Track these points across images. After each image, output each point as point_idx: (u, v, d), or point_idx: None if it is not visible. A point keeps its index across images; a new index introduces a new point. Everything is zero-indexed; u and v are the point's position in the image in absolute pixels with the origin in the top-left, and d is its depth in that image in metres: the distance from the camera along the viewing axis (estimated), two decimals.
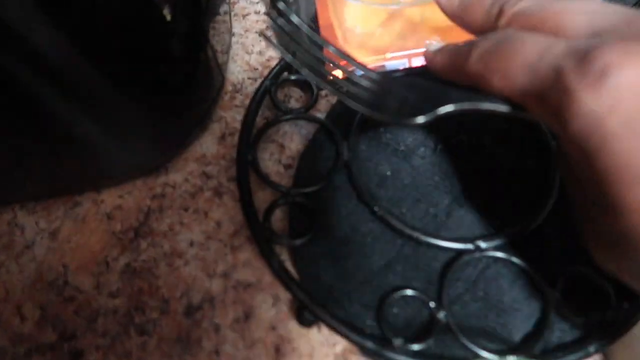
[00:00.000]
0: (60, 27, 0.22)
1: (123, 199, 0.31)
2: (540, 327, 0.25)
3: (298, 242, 0.27)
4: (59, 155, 0.29)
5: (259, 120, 0.33)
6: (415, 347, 0.25)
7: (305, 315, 0.26)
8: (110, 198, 0.31)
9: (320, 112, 0.33)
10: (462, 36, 0.24)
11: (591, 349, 0.25)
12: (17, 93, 0.22)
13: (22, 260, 0.29)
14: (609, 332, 0.25)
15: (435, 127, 0.31)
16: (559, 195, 0.28)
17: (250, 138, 0.31)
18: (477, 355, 0.24)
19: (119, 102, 0.27)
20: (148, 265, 0.29)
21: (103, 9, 0.23)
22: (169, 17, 0.25)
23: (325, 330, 0.27)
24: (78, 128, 0.27)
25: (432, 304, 0.26)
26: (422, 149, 0.31)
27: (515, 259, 0.27)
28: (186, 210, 0.31)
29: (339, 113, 0.32)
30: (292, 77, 0.33)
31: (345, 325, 0.25)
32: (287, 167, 0.32)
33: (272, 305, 0.28)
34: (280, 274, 0.26)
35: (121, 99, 0.27)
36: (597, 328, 0.25)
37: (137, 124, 0.29)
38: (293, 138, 0.33)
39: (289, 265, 0.28)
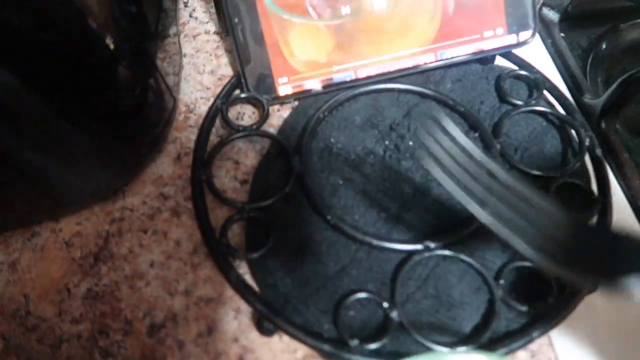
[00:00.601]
0: (3, 63, 0.22)
1: (81, 226, 0.32)
2: (488, 318, 0.27)
3: (254, 255, 0.28)
4: (14, 188, 0.29)
5: (213, 139, 0.34)
6: (372, 346, 0.26)
7: (265, 325, 0.27)
8: (68, 226, 0.31)
9: (274, 126, 0.35)
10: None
11: (535, 334, 0.26)
12: None
13: None
14: (551, 318, 0.27)
15: (384, 134, 0.33)
16: None
17: (204, 157, 0.32)
18: (430, 349, 0.25)
19: (70, 133, 0.28)
20: (110, 288, 0.29)
21: (45, 41, 0.23)
22: (112, 46, 0.26)
23: (285, 337, 0.28)
24: (31, 161, 0.27)
25: (385, 305, 0.27)
26: (372, 156, 0.32)
27: (462, 256, 0.28)
28: (145, 232, 0.31)
29: (291, 127, 0.33)
30: (243, 95, 0.34)
31: (303, 332, 0.26)
32: (243, 182, 0.33)
33: (233, 318, 0.29)
34: (239, 287, 0.27)
35: (72, 129, 0.27)
36: (541, 315, 0.27)
37: (90, 152, 0.30)
38: (247, 154, 0.34)
39: (248, 278, 0.29)
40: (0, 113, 0.23)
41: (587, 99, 0.36)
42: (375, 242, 0.29)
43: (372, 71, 0.34)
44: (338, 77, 0.35)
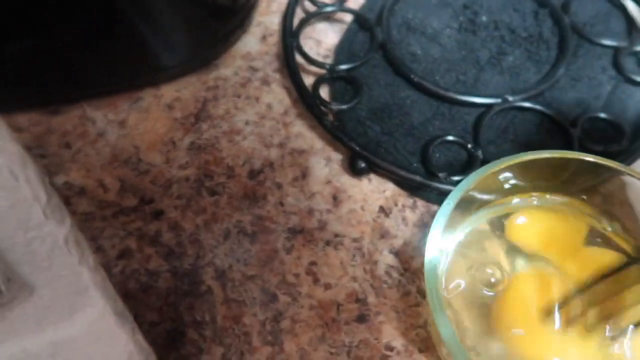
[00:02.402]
0: None
1: (180, 92, 0.34)
2: None
3: (345, 106, 0.31)
4: (120, 51, 0.32)
5: (296, 21, 0.36)
6: (457, 178, 0.28)
7: (358, 164, 0.29)
8: (168, 92, 0.34)
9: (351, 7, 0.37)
10: None
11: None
12: None
13: (97, 146, 0.32)
14: (625, 158, 0.29)
15: (458, 12, 0.35)
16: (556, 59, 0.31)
17: (292, 28, 0.34)
18: None
19: (174, 3, 0.31)
20: (211, 142, 0.32)
21: None
22: None
23: (375, 180, 0.30)
24: (137, 25, 0.30)
25: (469, 146, 0.29)
26: (448, 30, 0.34)
27: (540, 107, 0.30)
28: (239, 97, 0.34)
29: (369, 6, 0.36)
30: None
31: (395, 166, 0.29)
32: (325, 57, 0.35)
33: (325, 165, 0.31)
34: (334, 131, 0.30)
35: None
36: (614, 156, 0.29)
37: (188, 22, 0.33)
38: (328, 34, 0.36)
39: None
40: None
41: None
42: (457, 96, 0.31)
43: None
44: None
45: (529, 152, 0.23)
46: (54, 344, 0.19)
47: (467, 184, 0.22)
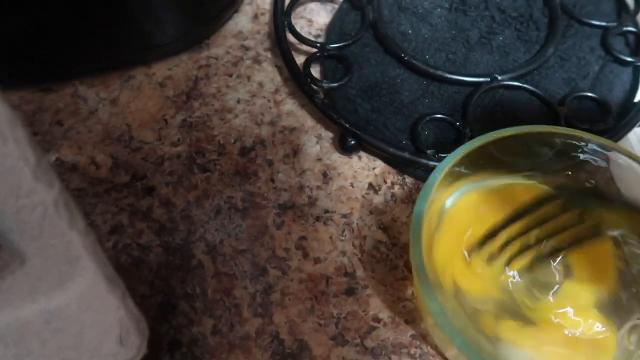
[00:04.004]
0: None
1: (172, 71, 0.35)
2: None
3: (336, 84, 0.31)
4: (112, 28, 0.32)
5: (287, 0, 0.36)
6: (446, 155, 0.28)
7: (348, 141, 0.30)
8: (160, 70, 0.35)
9: None
10: None
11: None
12: None
13: (89, 123, 0.32)
14: (610, 137, 0.29)
15: None
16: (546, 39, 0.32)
17: (283, 6, 0.34)
18: None
19: None
20: (202, 120, 0.32)
21: None
22: None
23: (365, 157, 0.31)
24: (130, 2, 0.30)
25: (458, 123, 0.29)
26: (438, 9, 0.35)
27: (528, 86, 0.31)
28: (230, 75, 0.34)
29: None
30: None
31: (384, 143, 0.29)
32: (317, 37, 0.35)
33: (316, 143, 0.31)
34: (324, 109, 0.30)
35: None
36: (600, 133, 0.29)
37: (180, 0, 0.33)
38: (320, 13, 0.37)
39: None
40: None
41: None
42: (447, 75, 0.31)
43: None
44: None
45: (515, 127, 0.24)
46: (48, 312, 0.19)
47: (455, 157, 0.23)
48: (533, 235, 0.24)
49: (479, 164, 0.24)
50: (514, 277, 0.23)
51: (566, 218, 0.24)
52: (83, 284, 0.19)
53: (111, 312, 0.20)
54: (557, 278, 0.23)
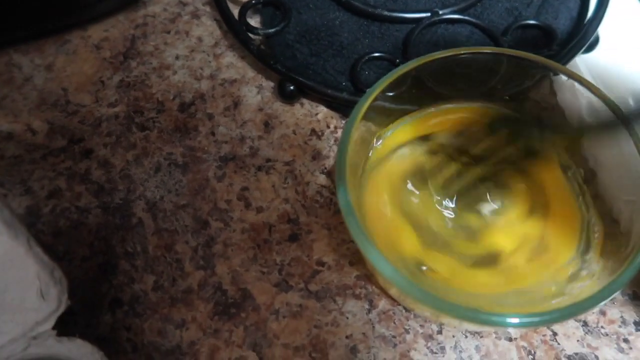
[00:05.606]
0: None
1: (108, 32, 0.33)
2: None
3: (272, 30, 0.30)
4: None
5: None
6: None
7: (287, 87, 0.29)
8: (96, 33, 0.33)
9: None
10: None
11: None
12: None
13: (23, 90, 0.31)
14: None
15: None
16: None
17: None
18: None
19: None
20: (140, 79, 0.31)
21: None
22: None
23: (307, 104, 0.30)
24: None
25: (398, 61, 0.29)
26: None
27: (470, 18, 0.29)
28: (168, 32, 0.33)
29: None
30: None
31: (323, 85, 0.28)
32: None
33: (257, 94, 0.31)
34: (261, 55, 0.29)
35: None
36: None
37: None
38: None
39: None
40: None
41: None
42: (385, 13, 0.30)
43: None
44: None
45: (445, 50, 0.23)
46: None
47: (380, 85, 0.22)
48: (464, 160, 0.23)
49: (412, 95, 0.24)
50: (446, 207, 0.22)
51: (496, 140, 0.23)
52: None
53: (28, 267, 0.19)
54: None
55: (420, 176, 0.23)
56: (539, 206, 0.22)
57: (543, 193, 0.22)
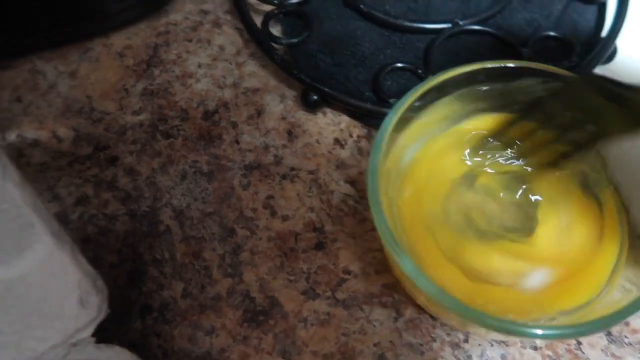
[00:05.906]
0: None
1: (131, 40, 0.34)
2: None
3: (296, 40, 0.30)
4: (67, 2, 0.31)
5: None
6: None
7: (310, 97, 0.29)
8: (118, 40, 0.34)
9: None
10: None
11: None
12: None
13: (48, 97, 0.32)
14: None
15: None
16: None
17: None
18: None
19: None
20: (164, 86, 0.32)
21: None
22: None
23: (330, 113, 0.30)
24: None
25: (420, 71, 0.29)
26: None
27: (490, 30, 0.30)
28: (190, 41, 0.34)
29: None
30: None
31: (347, 95, 0.28)
32: None
33: (279, 102, 0.31)
34: (284, 65, 0.30)
35: None
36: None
37: None
38: None
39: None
40: None
41: None
42: (407, 23, 0.30)
43: None
44: None
45: (470, 63, 0.23)
46: (9, 281, 0.19)
47: (410, 96, 0.22)
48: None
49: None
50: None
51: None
52: (42, 251, 0.19)
53: (70, 275, 0.20)
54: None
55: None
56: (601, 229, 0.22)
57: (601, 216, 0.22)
